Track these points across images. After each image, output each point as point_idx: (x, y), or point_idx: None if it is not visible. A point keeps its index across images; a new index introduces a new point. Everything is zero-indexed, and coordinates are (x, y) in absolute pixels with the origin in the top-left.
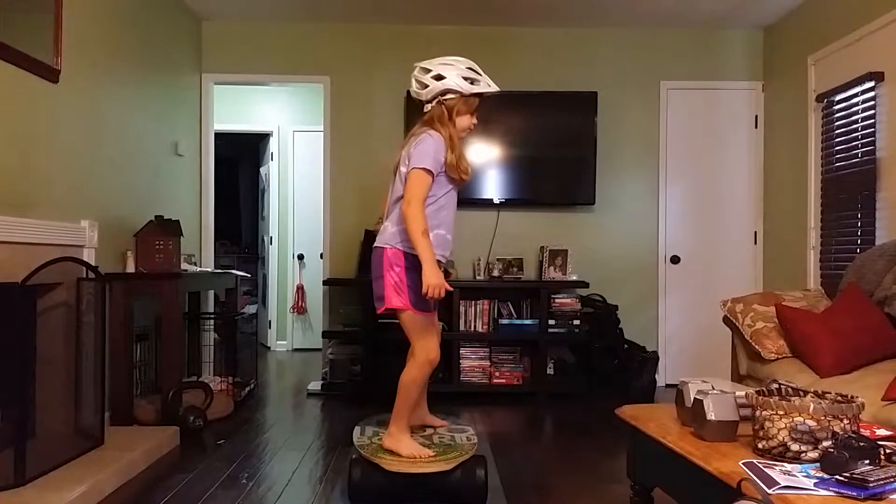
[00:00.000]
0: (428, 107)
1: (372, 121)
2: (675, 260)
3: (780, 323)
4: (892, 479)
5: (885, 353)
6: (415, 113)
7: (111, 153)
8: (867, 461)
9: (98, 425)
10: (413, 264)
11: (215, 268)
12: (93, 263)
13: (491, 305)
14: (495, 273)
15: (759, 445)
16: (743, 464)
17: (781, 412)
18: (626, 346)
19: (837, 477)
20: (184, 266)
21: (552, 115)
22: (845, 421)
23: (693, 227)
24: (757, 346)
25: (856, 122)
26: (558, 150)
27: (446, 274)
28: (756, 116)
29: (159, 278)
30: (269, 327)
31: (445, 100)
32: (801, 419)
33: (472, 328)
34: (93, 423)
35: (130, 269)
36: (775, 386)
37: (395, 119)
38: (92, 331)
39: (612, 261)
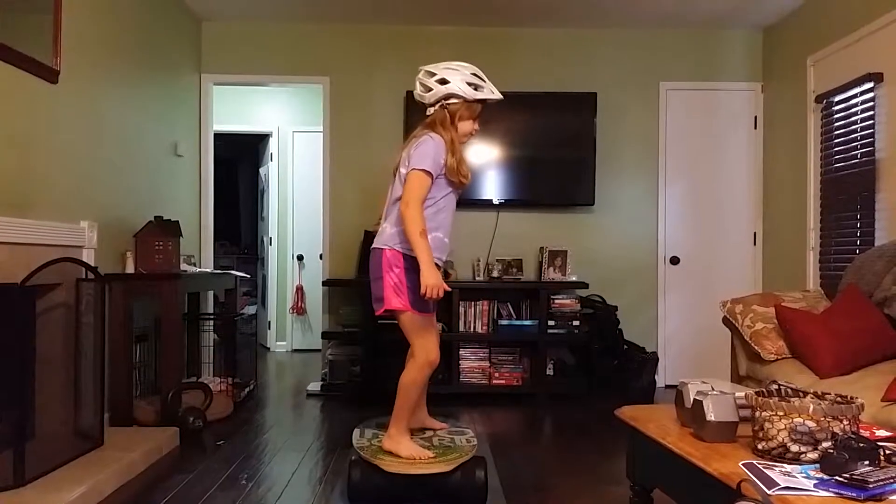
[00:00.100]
0: (431, 110)
1: (372, 121)
2: (674, 261)
3: (779, 324)
4: (891, 480)
5: (885, 353)
6: (414, 114)
7: (111, 154)
8: (867, 462)
9: (97, 426)
10: (412, 265)
11: (215, 268)
12: (92, 264)
13: (490, 306)
14: (495, 274)
15: (759, 446)
16: (743, 465)
17: (781, 413)
18: (625, 346)
19: (837, 478)
20: (183, 267)
21: (552, 115)
22: (845, 422)
23: (692, 228)
24: (756, 347)
25: (855, 122)
26: (558, 151)
27: (446, 275)
28: (755, 117)
29: (159, 279)
30: (269, 328)
31: (448, 104)
32: (801, 420)
33: (472, 329)
34: (92, 423)
35: (130, 269)
36: (775, 387)
37: (394, 120)
38: (91, 331)
39: (611, 261)
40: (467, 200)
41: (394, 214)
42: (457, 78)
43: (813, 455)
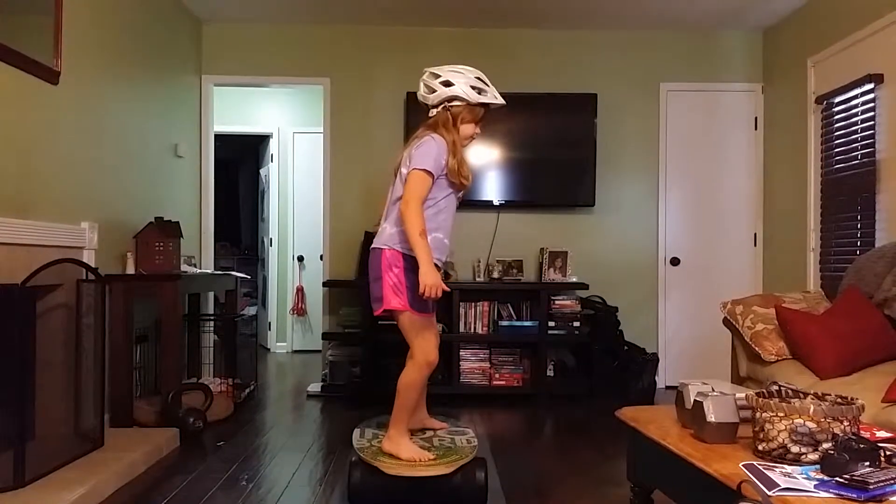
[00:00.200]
0: (433, 111)
1: (372, 122)
2: (674, 262)
3: (779, 325)
4: (892, 481)
5: (885, 354)
6: (415, 115)
7: (111, 155)
8: (867, 463)
9: (98, 427)
10: (412, 266)
11: (215, 269)
12: (93, 265)
13: (491, 307)
14: (495, 275)
15: (760, 447)
16: (743, 466)
17: (781, 414)
18: (625, 347)
19: (838, 479)
20: (184, 267)
21: (552, 116)
22: (845, 423)
23: (693, 229)
24: (757, 348)
25: (855, 123)
26: (558, 152)
27: (446, 276)
28: (756, 118)
29: (159, 280)
30: (269, 329)
31: (451, 106)
32: (802, 421)
33: (472, 330)
34: (93, 424)
35: (130, 270)
36: (775, 388)
37: (394, 121)
38: (92, 332)
39: (611, 263)
40: (468, 201)
41: (394, 214)
42: (461, 81)
43: (813, 456)
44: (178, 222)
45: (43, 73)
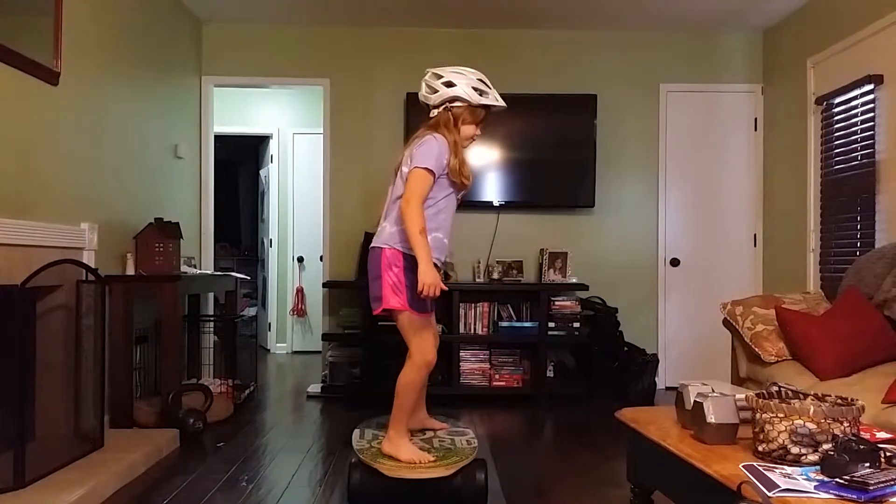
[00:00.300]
0: (434, 112)
1: (372, 123)
2: (674, 262)
3: (779, 325)
4: (892, 482)
5: (885, 355)
6: (414, 115)
7: (111, 155)
8: (867, 464)
9: (98, 428)
10: (412, 265)
11: (215, 270)
12: (92, 266)
13: (491, 308)
14: (495, 275)
15: (760, 448)
16: (743, 467)
17: (781, 415)
18: (625, 348)
19: (838, 480)
20: (183, 268)
21: (552, 117)
22: (845, 424)
23: (693, 230)
24: (757, 349)
25: (855, 124)
26: (558, 153)
27: (446, 277)
28: (755, 119)
29: (159, 281)
30: (269, 330)
31: (453, 107)
32: (802, 422)
33: (472, 331)
34: (92, 425)
35: (130, 271)
36: (775, 388)
37: (394, 121)
38: (91, 333)
39: (611, 263)
40: (468, 202)
41: (394, 213)
42: (463, 82)
43: (813, 457)
44: (177, 223)
45: (43, 75)
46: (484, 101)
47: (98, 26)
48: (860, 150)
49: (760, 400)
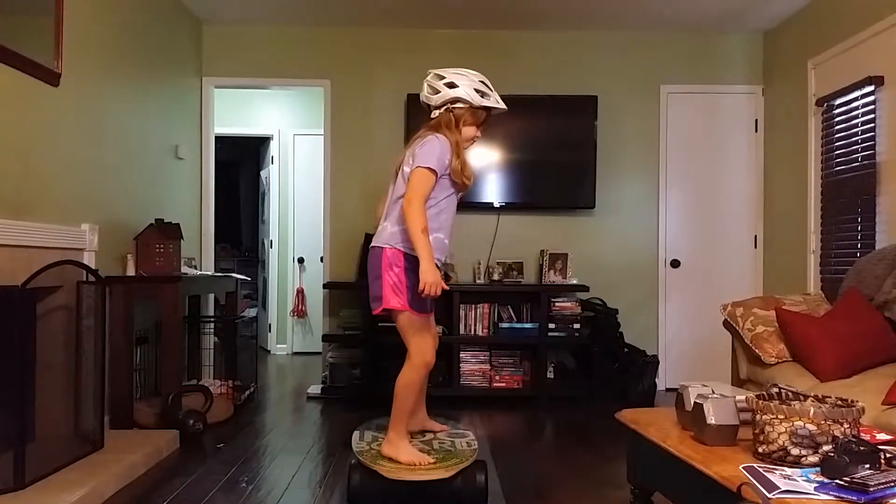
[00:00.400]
0: (435, 113)
1: (372, 124)
2: (675, 264)
3: (780, 327)
4: (892, 484)
5: (886, 357)
6: (415, 116)
7: (111, 156)
8: (867, 465)
9: (98, 429)
10: (412, 265)
11: (215, 271)
12: (93, 267)
13: (491, 309)
14: (495, 277)
15: (760, 450)
16: (743, 468)
17: (782, 416)
18: (626, 349)
19: (838, 481)
20: (184, 269)
21: (552, 118)
22: (845, 425)
23: (693, 231)
24: (757, 350)
25: (856, 126)
26: (558, 154)
27: (446, 277)
28: (756, 120)
29: (159, 282)
30: (269, 331)
31: (454, 108)
32: (802, 423)
33: (472, 332)
34: (93, 426)
35: (130, 272)
36: (775, 390)
37: (395, 122)
38: (92, 334)
39: (612, 265)
40: (468, 203)
41: (395, 213)
42: (465, 83)
43: (813, 458)
44: (178, 224)
45: (43, 75)
46: (485, 102)
47: (98, 27)
48: (861, 152)
49: (761, 401)
